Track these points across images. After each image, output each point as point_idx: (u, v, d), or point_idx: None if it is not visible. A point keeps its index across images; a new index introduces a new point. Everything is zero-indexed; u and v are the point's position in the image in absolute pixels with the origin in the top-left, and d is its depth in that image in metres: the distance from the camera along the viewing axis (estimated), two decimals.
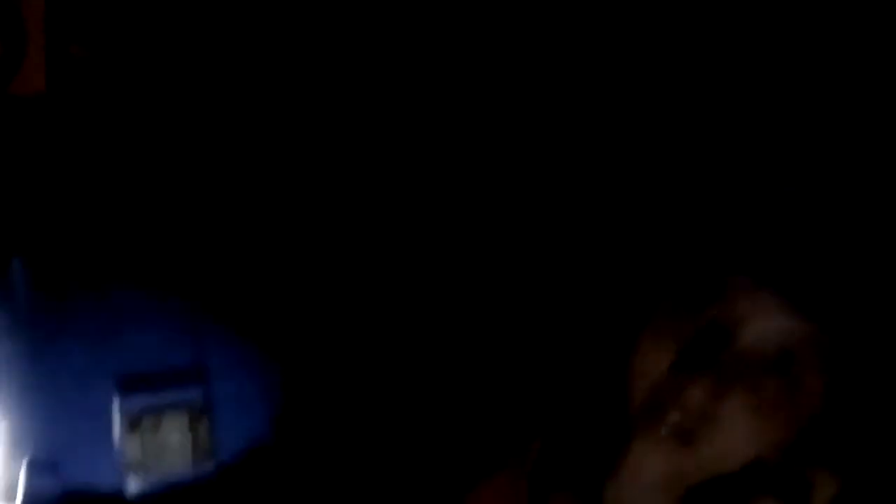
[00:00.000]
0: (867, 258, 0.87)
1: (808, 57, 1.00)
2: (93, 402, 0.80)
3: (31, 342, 0.81)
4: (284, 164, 0.95)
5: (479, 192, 1.09)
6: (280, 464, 0.83)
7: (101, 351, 0.80)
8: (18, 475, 0.79)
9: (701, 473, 0.91)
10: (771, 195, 0.90)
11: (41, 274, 0.82)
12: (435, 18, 1.08)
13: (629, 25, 1.09)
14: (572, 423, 1.01)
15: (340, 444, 0.90)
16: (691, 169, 1.03)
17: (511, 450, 1.03)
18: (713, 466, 0.91)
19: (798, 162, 0.91)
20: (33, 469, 0.79)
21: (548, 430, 1.02)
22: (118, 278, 0.83)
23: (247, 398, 0.83)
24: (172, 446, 0.79)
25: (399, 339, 1.05)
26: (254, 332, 0.85)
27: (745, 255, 0.88)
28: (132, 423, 0.79)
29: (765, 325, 0.88)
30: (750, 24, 1.03)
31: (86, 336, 0.80)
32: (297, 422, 0.86)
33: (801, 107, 0.96)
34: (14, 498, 0.80)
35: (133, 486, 0.80)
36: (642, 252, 0.99)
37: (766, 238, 0.88)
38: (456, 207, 1.07)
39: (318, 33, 1.04)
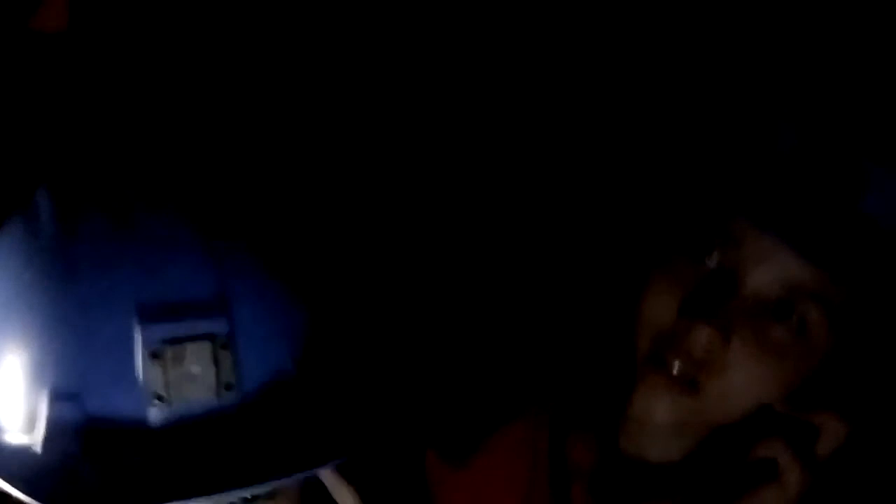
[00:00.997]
0: (873, 202, 0.87)
1: None
2: (114, 332, 0.78)
3: (53, 271, 0.79)
4: (310, 91, 0.95)
5: (491, 137, 1.10)
6: (304, 395, 0.82)
7: (123, 280, 0.79)
8: (38, 406, 0.78)
9: (708, 419, 0.93)
10: (775, 135, 0.90)
11: (64, 203, 0.81)
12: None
13: None
14: (586, 370, 1.02)
15: (364, 378, 0.90)
16: (694, 112, 1.04)
17: (529, 396, 1.04)
18: (720, 412, 0.92)
19: (800, 98, 0.90)
20: (54, 399, 0.77)
21: (563, 376, 1.03)
22: (141, 207, 0.81)
23: (271, 329, 0.82)
24: (195, 377, 0.77)
25: (421, 276, 1.06)
26: (279, 262, 0.84)
27: (752, 201, 0.89)
28: (154, 353, 0.77)
29: (771, 270, 0.90)
30: None
31: (108, 265, 0.79)
32: (321, 354, 0.85)
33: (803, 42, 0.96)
34: (34, 429, 0.78)
35: (155, 416, 0.78)
36: (649, 198, 1.00)
37: (772, 182, 0.89)
38: (470, 151, 1.08)
39: None
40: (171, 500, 0.75)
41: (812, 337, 0.91)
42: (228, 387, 0.78)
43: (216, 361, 0.77)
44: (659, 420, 0.92)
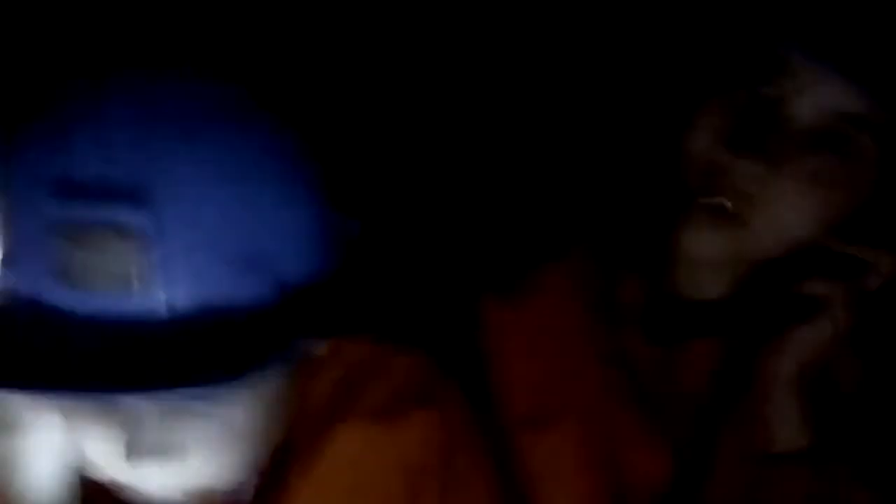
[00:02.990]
0: None
1: None
2: (33, 211, 0.72)
3: None
4: None
5: None
6: (230, 298, 0.74)
7: (45, 158, 0.73)
8: None
9: (754, 253, 0.92)
10: None
11: None
12: None
13: None
14: (632, 207, 1.02)
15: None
16: None
17: (576, 233, 1.04)
18: (767, 246, 0.91)
19: None
20: None
21: (610, 213, 1.03)
22: (73, 82, 0.75)
23: (199, 233, 0.73)
24: (104, 266, 0.71)
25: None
26: (211, 151, 0.75)
27: (804, 29, 0.87)
28: (64, 234, 0.71)
29: (821, 100, 0.88)
30: None
31: (30, 141, 0.74)
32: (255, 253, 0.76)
33: None
34: None
35: (60, 299, 0.72)
36: (701, 25, 0.98)
37: (826, 11, 0.87)
38: None
39: None
40: (59, 390, 0.70)
41: (860, 167, 0.89)
42: (137, 282, 0.71)
43: (128, 254, 0.71)
44: (705, 254, 0.92)
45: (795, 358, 0.92)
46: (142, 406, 0.75)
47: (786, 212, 0.90)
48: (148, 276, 0.72)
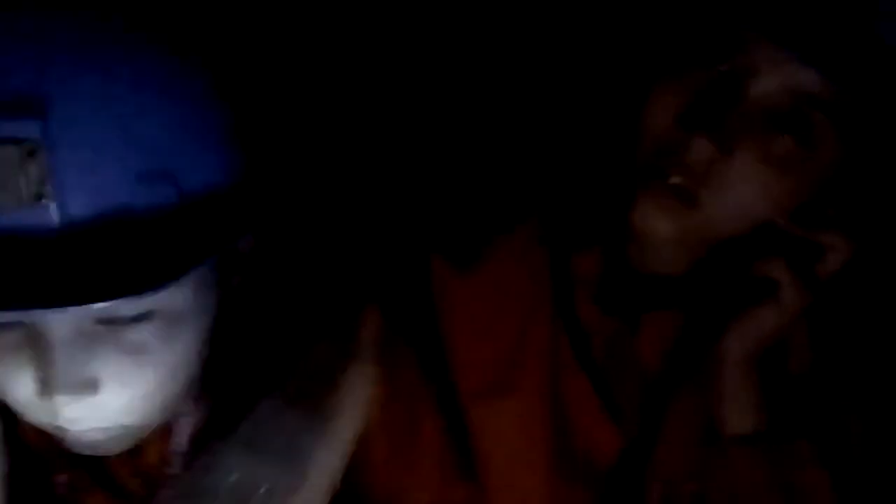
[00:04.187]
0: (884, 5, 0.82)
1: None
2: None
3: None
4: None
5: None
6: (129, 208, 0.73)
7: None
8: None
9: (708, 234, 0.90)
10: None
11: None
12: None
13: None
14: (587, 180, 1.00)
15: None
16: None
17: (531, 203, 1.02)
18: (720, 227, 0.90)
19: None
20: None
21: (565, 184, 1.01)
22: None
23: (98, 140, 0.72)
24: (8, 180, 0.70)
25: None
26: (105, 64, 0.73)
27: (763, 9, 0.85)
28: None
29: (780, 79, 0.85)
30: None
31: None
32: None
33: None
34: None
35: None
36: (658, 4, 0.95)
37: None
38: None
39: None
40: None
41: (817, 149, 0.87)
42: (38, 197, 0.70)
43: (25, 168, 0.69)
44: (658, 233, 0.90)
45: (749, 338, 0.91)
46: (52, 330, 0.74)
47: (741, 192, 0.87)
48: (43, 189, 0.70)
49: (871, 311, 0.95)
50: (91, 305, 0.69)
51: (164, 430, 0.87)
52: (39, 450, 0.89)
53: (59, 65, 0.71)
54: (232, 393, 0.89)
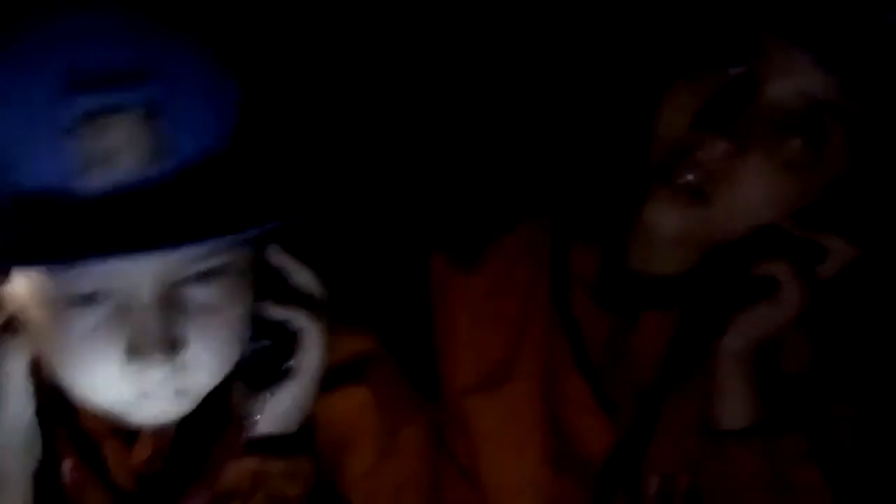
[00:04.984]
0: None
1: None
2: (41, 102, 0.75)
3: None
4: None
5: None
6: (238, 169, 0.80)
7: (50, 50, 0.76)
8: None
9: (715, 232, 0.92)
10: None
11: None
12: None
13: None
14: (596, 176, 1.01)
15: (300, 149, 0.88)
16: None
17: (536, 202, 1.03)
18: (727, 226, 0.91)
19: None
20: None
21: (572, 182, 1.02)
22: None
23: (202, 99, 0.79)
24: (121, 147, 0.76)
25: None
26: (214, 30, 0.81)
27: (779, 12, 0.86)
28: (81, 123, 0.75)
29: (792, 80, 0.87)
30: None
31: (35, 35, 0.77)
32: (255, 125, 0.82)
33: None
34: None
35: (82, 185, 0.76)
36: (674, 6, 0.96)
37: None
38: None
39: None
40: (94, 259, 0.75)
41: (828, 152, 0.88)
42: (156, 157, 0.76)
43: (144, 130, 0.76)
44: (666, 231, 0.91)
45: (747, 337, 0.92)
46: (138, 296, 0.79)
47: (751, 193, 0.89)
48: (161, 147, 0.77)
49: (867, 309, 0.97)
50: (205, 242, 0.77)
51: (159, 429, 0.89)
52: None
53: (165, 36, 0.78)
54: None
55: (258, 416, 0.89)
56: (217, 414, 0.89)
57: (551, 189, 1.02)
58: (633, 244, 0.96)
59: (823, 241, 0.91)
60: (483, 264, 1.01)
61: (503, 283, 1.01)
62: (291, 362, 0.89)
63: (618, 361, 0.98)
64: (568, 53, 1.08)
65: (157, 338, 0.80)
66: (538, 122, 1.09)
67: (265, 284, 0.89)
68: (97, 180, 0.76)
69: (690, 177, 0.89)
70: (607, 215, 0.97)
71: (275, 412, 0.89)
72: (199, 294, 0.82)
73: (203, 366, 0.83)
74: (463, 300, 1.01)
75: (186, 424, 0.88)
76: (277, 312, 0.88)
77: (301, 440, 0.91)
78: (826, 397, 0.95)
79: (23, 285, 0.82)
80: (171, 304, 0.80)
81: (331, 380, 0.91)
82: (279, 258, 0.89)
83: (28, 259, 0.77)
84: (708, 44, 0.90)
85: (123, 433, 0.88)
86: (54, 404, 0.88)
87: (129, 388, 0.82)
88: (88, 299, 0.80)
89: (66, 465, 0.88)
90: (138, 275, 0.79)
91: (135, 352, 0.80)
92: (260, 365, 0.89)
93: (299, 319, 0.88)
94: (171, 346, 0.80)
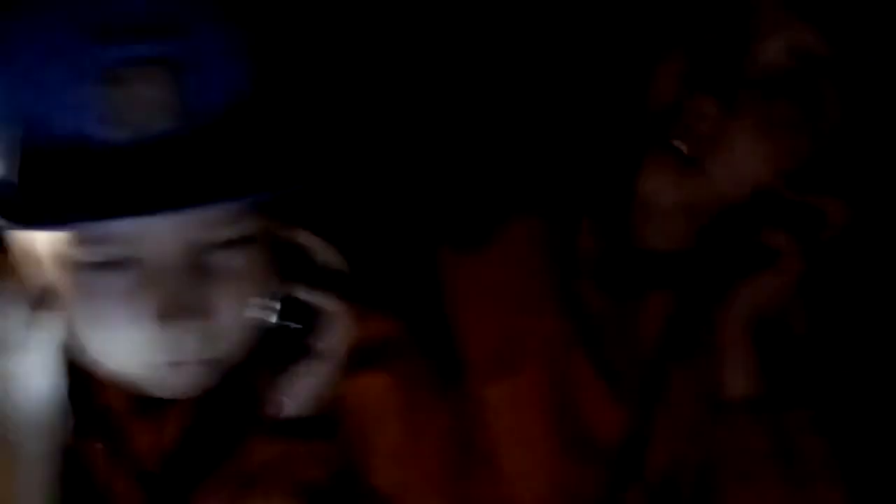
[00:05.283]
0: None
1: None
2: (67, 54, 0.76)
3: None
4: None
5: None
6: (262, 119, 0.81)
7: (79, 7, 0.77)
8: None
9: (712, 198, 0.92)
10: None
11: None
12: None
13: None
14: (595, 155, 1.01)
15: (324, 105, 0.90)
16: None
17: (542, 187, 1.03)
18: (724, 191, 0.91)
19: None
20: (3, 122, 0.77)
21: (574, 165, 1.02)
22: None
23: (228, 53, 0.79)
24: (149, 99, 0.76)
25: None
26: None
27: None
28: (107, 75, 0.76)
29: (785, 43, 0.88)
30: None
31: None
32: (282, 78, 0.83)
33: None
34: None
35: (109, 138, 0.76)
36: None
37: None
38: None
39: None
40: (121, 217, 0.75)
41: (818, 110, 0.89)
42: (182, 110, 0.76)
43: (170, 84, 0.76)
44: (664, 200, 0.92)
45: (749, 307, 0.92)
46: (167, 261, 0.79)
47: (743, 154, 0.90)
48: (188, 101, 0.77)
49: (868, 279, 0.97)
50: (240, 199, 0.78)
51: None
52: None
53: None
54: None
55: (283, 398, 0.89)
56: (242, 395, 0.89)
57: (557, 174, 1.03)
58: (634, 217, 0.97)
59: (819, 203, 0.91)
60: (491, 250, 1.01)
61: (510, 267, 1.01)
62: (318, 343, 0.88)
63: (623, 344, 0.98)
64: (560, 31, 1.10)
65: (187, 302, 0.80)
66: (541, 106, 1.10)
67: (292, 264, 0.88)
68: (124, 131, 0.76)
69: (682, 144, 0.90)
70: (609, 190, 0.97)
71: (299, 393, 0.88)
72: (228, 260, 0.82)
73: (229, 334, 0.83)
74: (470, 283, 1.00)
75: (211, 404, 0.88)
76: (305, 293, 0.88)
77: (324, 424, 0.90)
78: (828, 367, 0.95)
79: (53, 252, 0.81)
80: (199, 269, 0.80)
81: (355, 362, 0.91)
82: (306, 237, 0.89)
83: (60, 213, 0.76)
84: (698, 7, 0.91)
85: (149, 413, 0.87)
86: (79, 384, 0.87)
87: (158, 354, 0.81)
88: (118, 265, 0.80)
89: (94, 447, 0.87)
90: (167, 239, 0.79)
91: (165, 316, 0.80)
92: (285, 346, 0.89)
93: (327, 300, 0.88)
94: (201, 310, 0.81)
